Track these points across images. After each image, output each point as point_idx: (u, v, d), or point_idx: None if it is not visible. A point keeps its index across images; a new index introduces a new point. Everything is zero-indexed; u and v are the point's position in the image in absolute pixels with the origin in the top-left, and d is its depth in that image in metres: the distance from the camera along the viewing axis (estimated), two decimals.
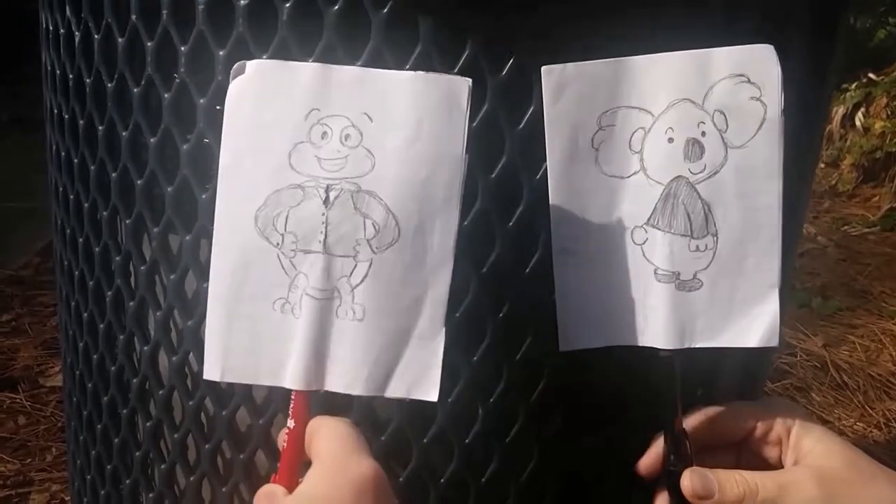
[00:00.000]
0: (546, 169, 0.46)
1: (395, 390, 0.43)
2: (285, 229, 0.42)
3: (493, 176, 0.47)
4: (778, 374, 1.82)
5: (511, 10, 0.45)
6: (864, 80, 3.38)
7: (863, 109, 3.30)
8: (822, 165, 3.25)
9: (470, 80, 0.41)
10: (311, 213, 0.42)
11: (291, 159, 0.42)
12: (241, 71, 0.42)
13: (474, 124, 0.46)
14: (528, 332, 0.50)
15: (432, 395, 0.42)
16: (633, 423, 0.50)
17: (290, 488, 0.41)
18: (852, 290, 2.29)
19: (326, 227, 0.42)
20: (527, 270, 0.49)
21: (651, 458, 0.48)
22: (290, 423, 0.43)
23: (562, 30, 0.46)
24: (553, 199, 0.46)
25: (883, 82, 3.33)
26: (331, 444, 0.41)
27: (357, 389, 0.42)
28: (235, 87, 0.43)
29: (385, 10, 0.45)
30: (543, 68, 0.44)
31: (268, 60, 0.44)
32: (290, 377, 0.43)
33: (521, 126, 0.47)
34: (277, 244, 0.42)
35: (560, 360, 0.49)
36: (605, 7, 0.46)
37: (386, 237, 0.42)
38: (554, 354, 0.49)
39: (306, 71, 0.42)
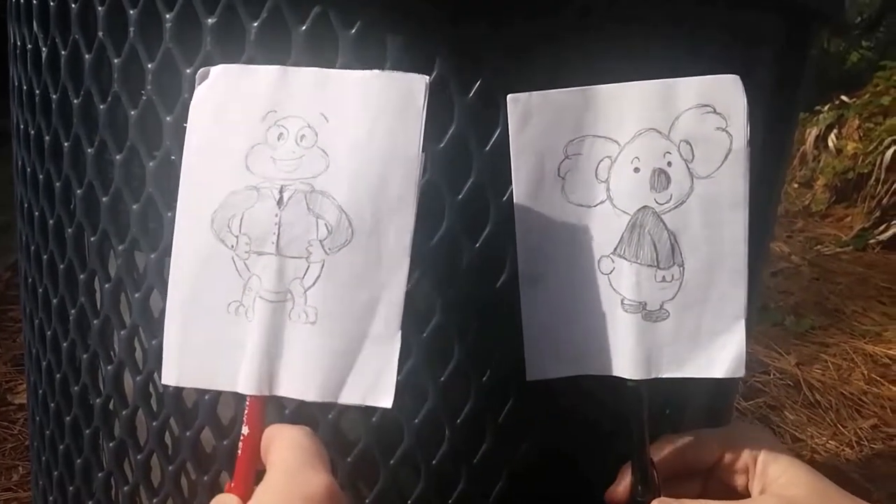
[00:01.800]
0: (511, 192, 0.46)
1: (349, 397, 0.41)
2: (240, 231, 0.42)
3: (461, 197, 0.47)
4: (751, 392, 1.83)
5: (480, 31, 0.46)
6: (837, 103, 3.45)
7: (835, 131, 3.36)
8: (796, 185, 3.30)
9: (427, 77, 0.41)
10: (265, 214, 0.41)
11: (248, 161, 0.42)
12: (206, 77, 0.42)
13: (441, 145, 0.46)
14: (496, 352, 0.50)
15: (386, 402, 0.41)
16: (601, 451, 0.50)
17: (245, 497, 0.40)
18: (825, 309, 2.31)
19: (279, 228, 0.41)
20: (494, 291, 0.49)
21: (619, 487, 0.48)
22: (245, 429, 0.42)
23: (530, 51, 0.46)
24: (519, 227, 0.46)
25: (855, 104, 3.39)
26: (284, 456, 0.39)
27: (310, 395, 0.41)
28: (199, 93, 0.42)
29: (353, 30, 0.45)
30: (509, 97, 0.44)
31: (231, 65, 0.43)
32: (243, 382, 0.42)
33: (488, 147, 0.47)
34: (232, 246, 0.42)
35: (528, 381, 0.49)
36: (574, 29, 0.46)
37: (339, 238, 0.41)
38: (522, 375, 0.49)
39: (266, 74, 0.42)
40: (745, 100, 0.43)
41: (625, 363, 0.46)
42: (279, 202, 0.41)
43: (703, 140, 0.44)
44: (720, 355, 0.45)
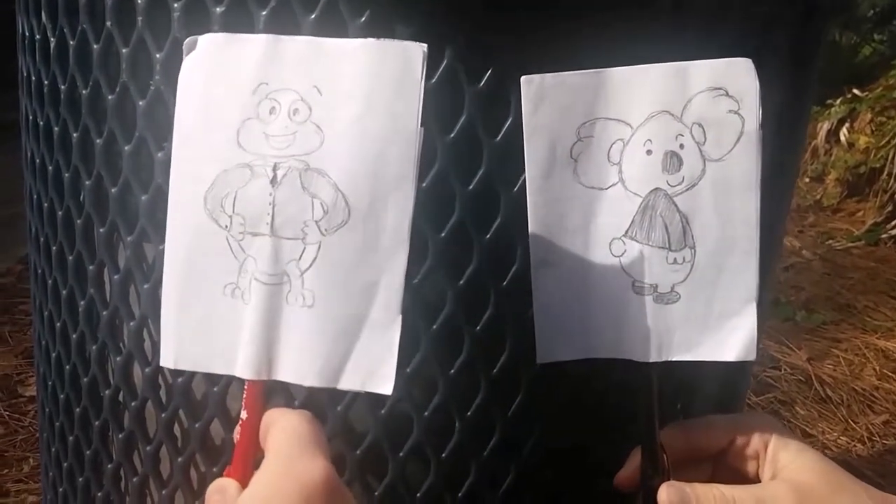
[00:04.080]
0: (524, 181, 0.45)
1: (348, 382, 0.40)
2: (233, 211, 0.40)
3: (471, 188, 0.47)
4: (762, 387, 1.82)
5: (490, 19, 0.45)
6: (849, 96, 3.41)
7: (847, 125, 3.33)
8: (807, 180, 3.28)
9: (425, 45, 0.38)
10: (258, 193, 0.40)
11: (240, 137, 0.40)
12: (193, 46, 0.41)
13: (451, 136, 0.46)
14: (506, 345, 0.49)
15: (386, 388, 0.40)
16: (611, 437, 0.50)
17: (244, 482, 0.39)
18: (836, 304, 2.30)
19: (273, 209, 0.40)
20: (504, 283, 0.48)
21: (628, 471, 0.48)
22: (244, 413, 0.41)
23: (540, 40, 0.45)
24: (531, 210, 0.45)
25: (867, 98, 3.36)
26: (281, 442, 0.38)
27: (309, 380, 0.40)
28: (187, 64, 0.41)
29: (362, 19, 0.44)
30: (523, 78, 0.44)
31: (219, 34, 0.41)
32: (241, 366, 0.41)
33: (498, 137, 0.46)
34: (226, 227, 0.41)
35: (538, 373, 0.49)
36: (585, 17, 0.46)
37: (335, 218, 0.39)
38: (532, 367, 0.49)
39: (256, 43, 0.40)
40: (757, 83, 0.43)
41: (635, 346, 0.45)
42: (272, 181, 0.40)
43: (716, 122, 0.44)
44: (731, 338, 0.45)
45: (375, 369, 0.40)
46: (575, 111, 0.44)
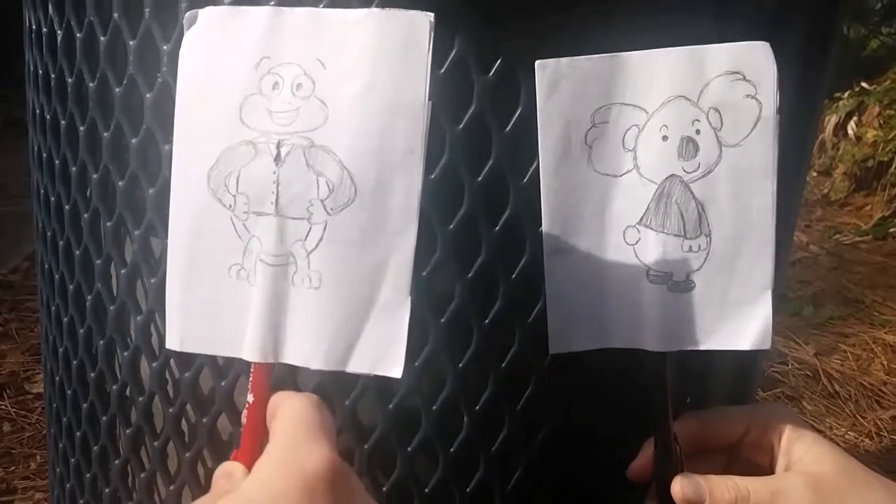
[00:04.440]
0: (533, 171, 0.45)
1: (356, 365, 0.39)
2: (237, 190, 0.39)
3: (480, 179, 0.46)
4: (770, 382, 1.82)
5: (500, 9, 0.45)
6: (857, 90, 3.40)
7: (855, 118, 3.31)
8: (815, 174, 3.26)
9: (432, 14, 0.37)
10: (262, 171, 0.39)
11: (242, 113, 0.39)
12: (194, 20, 0.40)
13: (461, 126, 0.45)
14: (515, 338, 0.49)
15: (396, 371, 0.39)
16: (623, 428, 0.50)
17: (251, 465, 0.38)
18: (844, 299, 2.29)
19: (278, 187, 0.39)
20: (513, 276, 0.48)
21: (641, 463, 0.47)
22: (250, 397, 0.40)
23: (551, 30, 0.45)
24: (545, 197, 0.45)
25: (875, 91, 3.34)
26: (286, 427, 0.38)
27: (316, 363, 0.39)
28: (188, 38, 0.40)
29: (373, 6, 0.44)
30: (537, 63, 0.43)
31: (220, 7, 0.40)
32: (247, 349, 0.40)
33: (508, 128, 0.46)
34: (230, 206, 0.40)
35: (547, 366, 0.49)
36: (597, 9, 0.45)
37: (341, 197, 0.38)
38: (541, 360, 0.48)
39: (257, 16, 0.39)
40: (774, 67, 0.42)
41: (650, 335, 0.45)
42: (276, 158, 0.39)
43: (732, 107, 0.43)
44: (746, 327, 0.44)
45: (384, 352, 0.39)
46: (590, 96, 0.44)
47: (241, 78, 0.39)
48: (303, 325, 0.39)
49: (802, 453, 0.45)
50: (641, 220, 0.45)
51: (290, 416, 0.38)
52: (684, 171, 0.44)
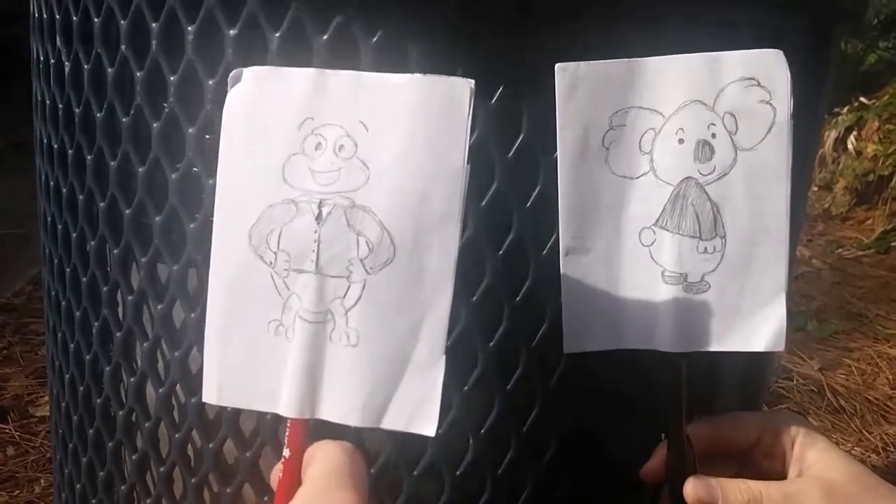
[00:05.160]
0: (536, 196, 0.46)
1: (392, 422, 0.40)
2: (278, 247, 0.40)
3: (483, 204, 0.47)
4: (775, 398, 1.81)
5: (502, 38, 0.45)
6: (856, 104, 3.41)
7: (855, 133, 3.32)
8: (816, 189, 3.27)
9: (472, 81, 0.38)
10: (304, 230, 0.40)
11: (285, 172, 0.40)
12: (238, 79, 0.41)
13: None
14: (520, 360, 0.49)
15: (430, 430, 0.39)
16: (630, 449, 0.50)
17: None
18: (848, 314, 2.28)
19: (319, 246, 0.40)
20: (517, 298, 0.48)
21: (654, 465, 0.47)
22: (286, 451, 0.41)
23: (553, 58, 0.46)
24: (562, 198, 0.45)
25: (874, 106, 3.35)
26: (316, 474, 0.38)
27: (353, 420, 0.40)
28: (232, 97, 0.41)
29: (374, 39, 0.45)
30: (557, 66, 0.44)
31: (264, 67, 0.41)
32: (284, 404, 0.40)
33: (510, 153, 0.46)
34: (271, 263, 0.40)
35: (553, 388, 0.49)
36: (602, 30, 0.46)
37: (380, 256, 0.39)
38: (546, 382, 0.49)
39: (301, 77, 0.40)
40: (788, 74, 0.43)
41: (664, 336, 0.45)
42: (318, 217, 0.40)
43: (747, 112, 0.44)
44: (761, 329, 0.45)
45: (419, 410, 0.39)
46: (607, 100, 0.45)
47: (284, 137, 0.40)
48: (339, 382, 0.40)
49: (815, 460, 0.45)
50: (657, 221, 0.45)
51: (321, 463, 0.39)
52: (700, 173, 0.44)
